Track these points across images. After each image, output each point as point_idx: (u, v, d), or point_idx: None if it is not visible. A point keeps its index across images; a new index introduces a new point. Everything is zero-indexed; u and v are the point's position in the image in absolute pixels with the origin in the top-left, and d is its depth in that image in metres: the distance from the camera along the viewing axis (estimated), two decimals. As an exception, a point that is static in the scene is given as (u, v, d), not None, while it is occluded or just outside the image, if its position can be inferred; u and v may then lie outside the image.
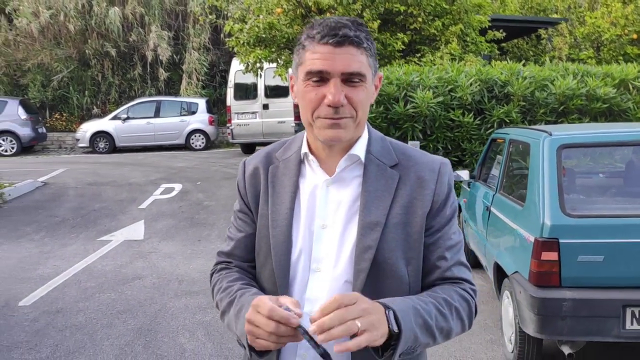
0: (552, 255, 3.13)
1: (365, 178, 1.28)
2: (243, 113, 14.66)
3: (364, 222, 1.24)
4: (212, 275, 1.45)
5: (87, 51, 18.11)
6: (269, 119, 14.41)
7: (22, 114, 15.73)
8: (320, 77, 1.19)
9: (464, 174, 5.54)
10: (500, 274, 4.04)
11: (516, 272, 3.52)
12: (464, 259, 1.33)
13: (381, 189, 1.27)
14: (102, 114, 17.60)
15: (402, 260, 1.25)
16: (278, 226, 1.30)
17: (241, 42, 10.12)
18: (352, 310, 1.03)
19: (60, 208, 8.86)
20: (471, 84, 7.28)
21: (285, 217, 1.30)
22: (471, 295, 1.30)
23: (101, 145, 16.08)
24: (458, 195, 6.97)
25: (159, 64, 18.36)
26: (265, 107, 14.51)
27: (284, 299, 1.12)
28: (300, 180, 1.33)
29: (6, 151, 15.63)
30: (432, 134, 7.32)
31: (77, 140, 16.34)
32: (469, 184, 5.64)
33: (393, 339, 1.09)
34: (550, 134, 3.54)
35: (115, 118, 16.20)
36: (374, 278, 1.22)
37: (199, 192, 9.89)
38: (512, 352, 3.64)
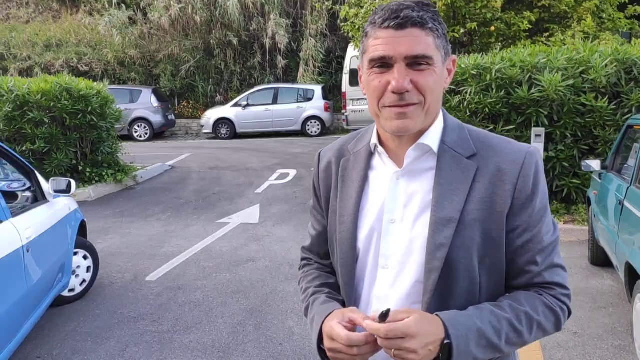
0: (700, 259, 2.74)
1: (439, 170, 1.18)
2: (358, 99, 14.65)
3: (436, 217, 1.15)
4: (299, 270, 1.48)
5: (211, 41, 19.05)
6: (383, 105, 14.25)
7: (154, 102, 16.96)
8: (384, 63, 1.12)
9: (595, 164, 5.07)
10: (632, 275, 3.64)
11: (654, 275, 3.14)
12: (558, 259, 1.21)
13: (456, 182, 1.16)
14: (225, 102, 18.47)
15: (476, 259, 1.15)
16: (344, 222, 1.26)
17: (357, 27, 10.06)
18: (396, 343, 1.04)
19: (184, 190, 9.44)
20: (606, 65, 6.62)
21: (351, 212, 1.25)
22: (562, 302, 1.21)
23: (223, 131, 16.90)
24: (586, 186, 6.40)
25: (277, 52, 18.86)
26: (381, 93, 14.37)
27: (352, 314, 1.14)
28: (369, 173, 1.27)
29: (140, 137, 16.95)
30: (559, 120, 6.78)
31: (202, 126, 17.31)
32: (600, 175, 5.14)
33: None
34: (702, 120, 3.09)
35: (236, 105, 16.93)
36: (445, 278, 1.15)
37: (312, 178, 10.03)
38: (647, 364, 3.27)
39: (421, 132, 1.19)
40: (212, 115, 17.05)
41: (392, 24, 1.10)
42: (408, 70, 1.11)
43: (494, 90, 6.88)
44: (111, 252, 6.13)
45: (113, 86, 15.69)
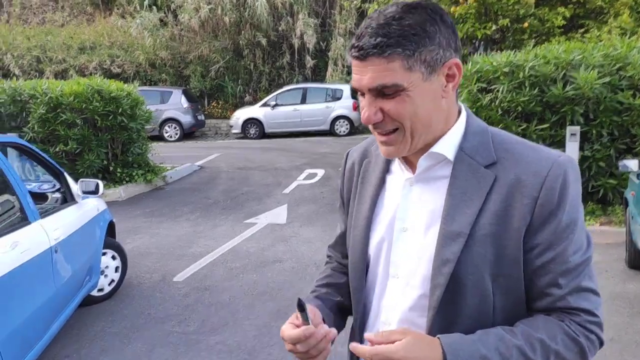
0: None
1: (453, 179, 1.10)
2: (387, 98, 14.52)
3: (445, 231, 1.07)
4: None
5: (240, 42, 19.17)
6: (413, 104, 14.08)
7: (184, 102, 17.15)
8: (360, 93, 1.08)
9: (633, 164, 4.88)
10: (676, 282, 3.47)
11: (698, 282, 2.98)
12: (588, 282, 1.08)
13: (470, 193, 1.08)
14: (253, 102, 18.55)
15: (488, 277, 1.06)
16: (358, 226, 1.23)
17: (385, 25, 9.94)
18: None
19: (213, 190, 9.49)
20: (645, 61, 6.38)
21: (365, 217, 1.21)
22: (589, 330, 1.07)
23: (252, 131, 16.97)
24: (624, 187, 6.18)
25: (305, 52, 18.86)
26: (410, 91, 14.21)
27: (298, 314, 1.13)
28: (387, 176, 1.22)
29: (171, 137, 17.15)
30: (595, 119, 6.56)
31: (231, 126, 17.42)
32: (638, 176, 4.95)
33: None
34: None
35: (265, 105, 16.97)
36: (452, 295, 1.07)
37: (340, 178, 9.97)
38: (690, 375, 3.11)
39: (435, 139, 1.11)
40: (241, 115, 17.14)
41: (355, 54, 1.04)
42: (377, 100, 1.05)
43: (527, 88, 6.70)
44: (140, 252, 6.18)
45: (144, 87, 15.90)
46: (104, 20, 21.36)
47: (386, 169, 1.22)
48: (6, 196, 3.40)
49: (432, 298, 1.09)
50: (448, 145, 1.11)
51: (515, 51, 7.45)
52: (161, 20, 19.47)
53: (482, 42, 10.65)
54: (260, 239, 6.56)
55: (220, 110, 19.60)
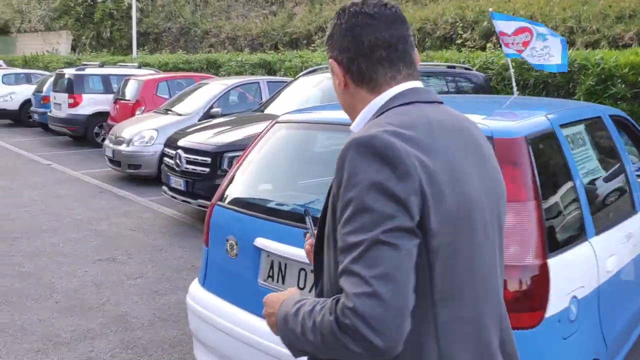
0: None
1: None
2: None
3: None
4: None
5: None
6: None
7: None
8: None
9: None
10: None
11: None
12: (357, 266, 1.00)
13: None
14: None
15: (331, 249, 1.16)
16: None
17: None
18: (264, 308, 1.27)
19: None
20: None
21: None
22: (343, 314, 0.99)
23: None
24: None
25: None
26: None
27: None
28: None
29: None
30: None
31: None
32: None
33: None
34: None
35: None
36: (318, 268, 1.25)
37: None
38: None
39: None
40: None
41: None
42: None
43: None
44: None
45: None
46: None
47: None
48: (618, 177, 3.03)
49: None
50: (356, 123, 1.27)
51: None
52: None
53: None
54: None
55: None
